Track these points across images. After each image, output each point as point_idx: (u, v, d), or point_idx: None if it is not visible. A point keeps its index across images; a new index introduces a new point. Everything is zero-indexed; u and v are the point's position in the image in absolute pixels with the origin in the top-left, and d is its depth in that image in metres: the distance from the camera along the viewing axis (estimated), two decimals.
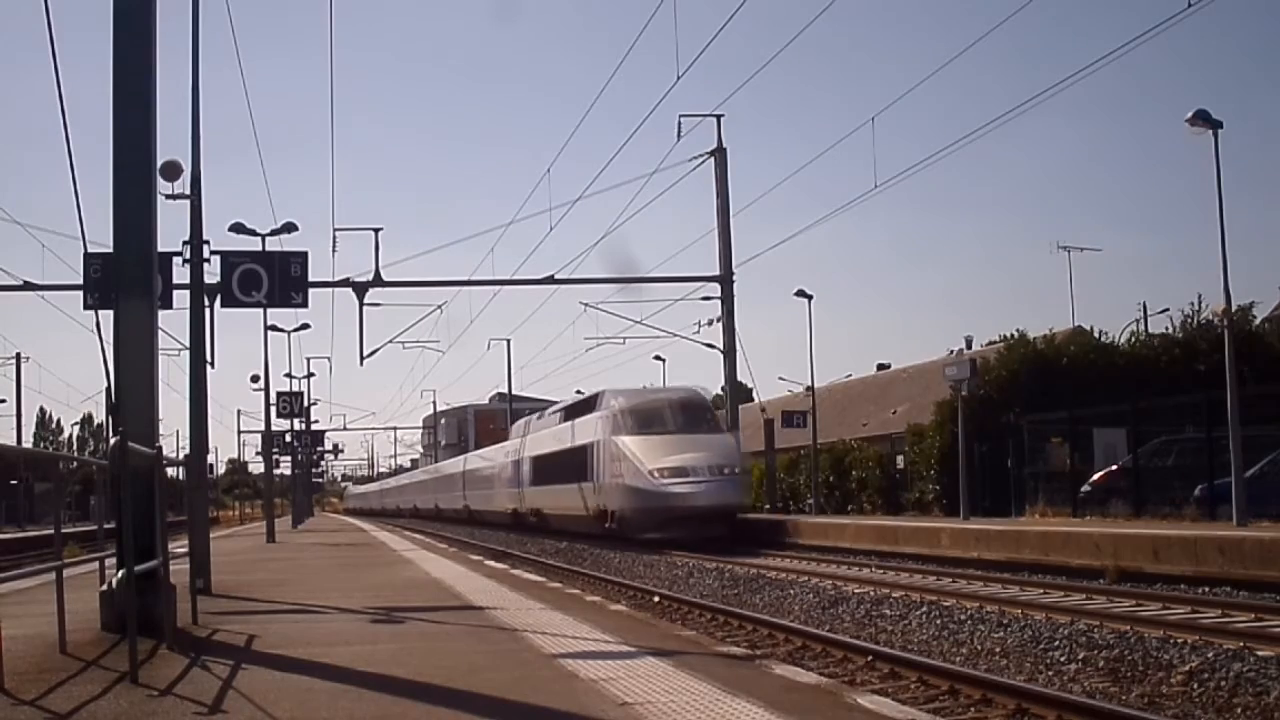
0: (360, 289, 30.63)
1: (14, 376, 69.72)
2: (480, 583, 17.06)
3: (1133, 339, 38.90)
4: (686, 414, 33.32)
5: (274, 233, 24.91)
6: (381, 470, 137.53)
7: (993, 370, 34.24)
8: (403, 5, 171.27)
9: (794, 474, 43.84)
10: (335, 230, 31.46)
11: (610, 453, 33.10)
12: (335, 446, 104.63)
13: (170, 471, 18.17)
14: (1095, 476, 27.76)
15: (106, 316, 10.87)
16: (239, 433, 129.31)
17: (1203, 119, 22.50)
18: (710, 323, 32.86)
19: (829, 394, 55.85)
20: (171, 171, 17.50)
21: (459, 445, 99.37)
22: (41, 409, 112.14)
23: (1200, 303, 38.26)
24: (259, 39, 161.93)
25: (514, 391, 75.86)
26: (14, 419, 70.83)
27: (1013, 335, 40.52)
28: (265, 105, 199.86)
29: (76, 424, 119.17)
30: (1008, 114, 53.35)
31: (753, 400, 47.71)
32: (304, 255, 20.80)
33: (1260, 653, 9.89)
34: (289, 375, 54.57)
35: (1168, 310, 50.83)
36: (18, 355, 70.03)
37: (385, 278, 30.86)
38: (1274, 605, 13.42)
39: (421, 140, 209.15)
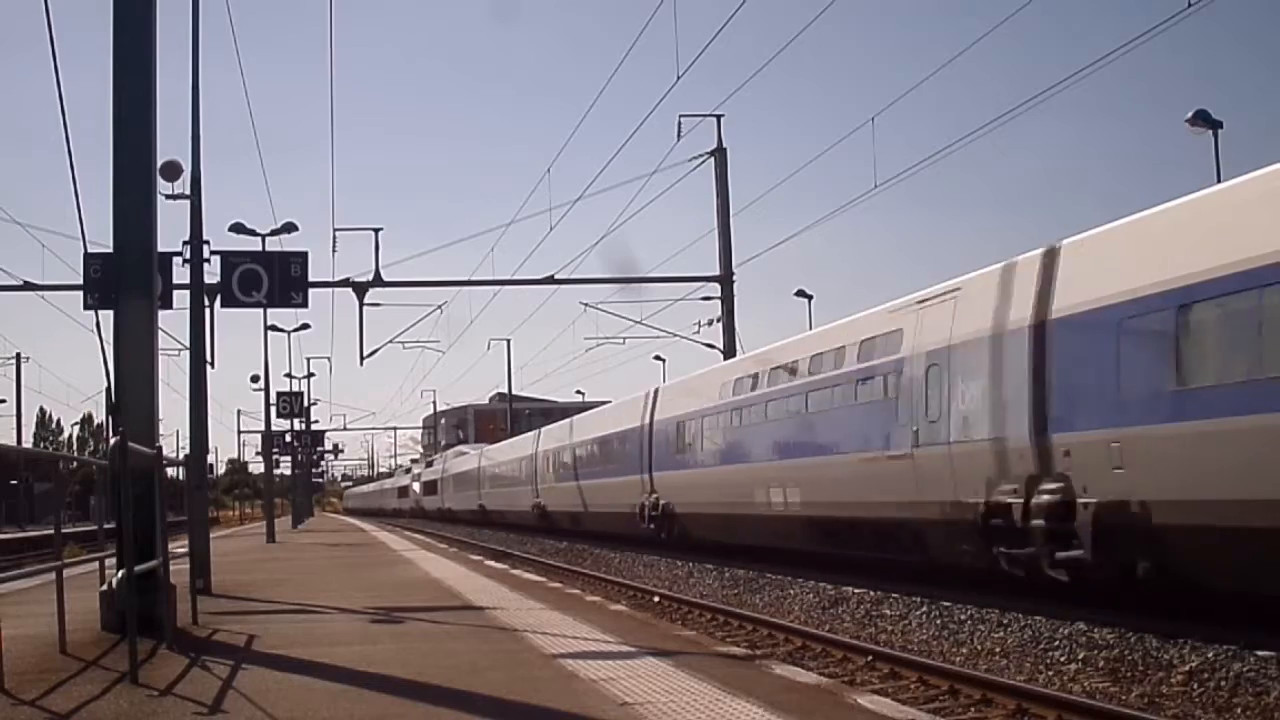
0: (360, 289, 30.56)
1: (14, 376, 69.72)
2: (480, 583, 17.07)
3: None
4: None
5: (274, 233, 24.92)
6: (381, 470, 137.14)
7: None
8: (403, 6, 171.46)
9: None
10: (335, 230, 31.32)
11: None
12: (335, 446, 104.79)
13: (170, 471, 18.16)
14: None
15: (106, 316, 10.90)
16: (239, 433, 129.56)
17: (1203, 119, 22.56)
18: (710, 323, 32.72)
19: None
20: (171, 171, 17.51)
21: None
22: (41, 409, 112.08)
23: None
24: (259, 39, 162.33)
25: (514, 391, 75.84)
26: (14, 419, 70.81)
27: None
28: (265, 105, 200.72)
29: (76, 424, 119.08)
30: (1008, 114, 53.20)
31: None
32: (304, 255, 20.82)
33: (1260, 653, 9.88)
34: (289, 375, 54.70)
35: None
36: (18, 355, 70.13)
37: (385, 278, 30.76)
38: None
39: (421, 140, 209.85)
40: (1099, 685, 9.89)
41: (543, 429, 44.89)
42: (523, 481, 45.49)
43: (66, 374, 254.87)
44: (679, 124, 29.58)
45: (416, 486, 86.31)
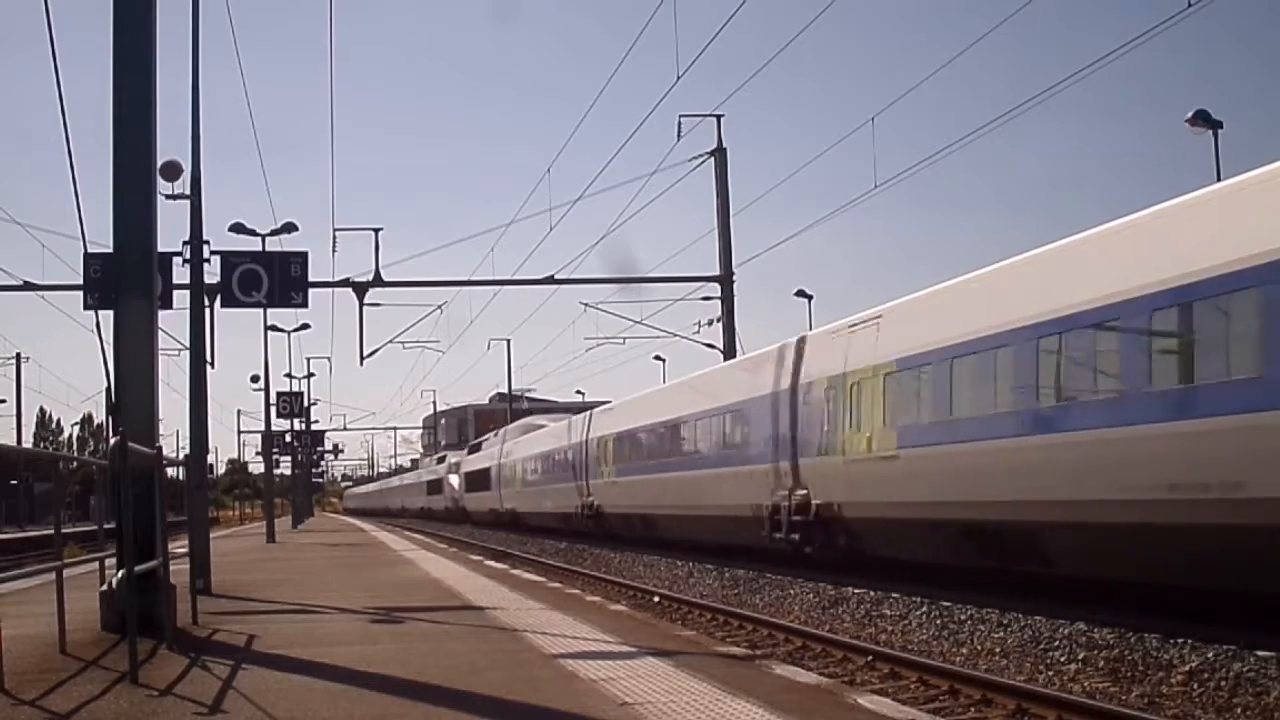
0: (360, 289, 30.58)
1: (14, 376, 69.73)
2: (480, 583, 17.06)
3: None
4: None
5: (274, 233, 24.93)
6: (381, 470, 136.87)
7: None
8: (403, 6, 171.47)
9: None
10: (335, 230, 31.37)
11: None
12: (335, 446, 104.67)
13: (170, 471, 18.16)
14: None
15: (106, 316, 10.90)
16: (239, 433, 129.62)
17: (1203, 119, 22.55)
18: (710, 323, 32.68)
19: None
20: (171, 171, 17.51)
21: (459, 446, 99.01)
22: (41, 409, 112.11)
23: None
24: (259, 39, 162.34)
25: (514, 391, 75.83)
26: (14, 419, 70.81)
27: None
28: (265, 105, 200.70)
29: (76, 424, 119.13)
30: (1008, 114, 53.18)
31: None
32: (304, 255, 20.81)
33: (1260, 653, 9.88)
34: (289, 375, 54.71)
35: None
36: (18, 355, 70.15)
37: (385, 278, 30.79)
38: None
39: (421, 140, 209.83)
40: (1099, 685, 9.89)
41: (753, 357, 23.65)
42: (712, 459, 24.21)
43: (66, 374, 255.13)
44: (679, 124, 29.48)
45: (454, 480, 65.71)
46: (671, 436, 27.58)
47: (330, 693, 7.54)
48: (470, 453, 64.96)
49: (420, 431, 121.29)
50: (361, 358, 32.91)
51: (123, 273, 10.76)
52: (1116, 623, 11.75)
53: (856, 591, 16.49)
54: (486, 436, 63.75)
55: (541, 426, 46.30)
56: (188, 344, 18.40)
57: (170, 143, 53.00)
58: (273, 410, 48.48)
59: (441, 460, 76.98)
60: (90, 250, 16.83)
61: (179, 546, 15.54)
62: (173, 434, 60.42)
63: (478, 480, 57.03)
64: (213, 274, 19.87)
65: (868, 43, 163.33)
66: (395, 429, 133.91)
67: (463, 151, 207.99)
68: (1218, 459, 11.08)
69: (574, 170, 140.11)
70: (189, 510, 17.72)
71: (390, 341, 38.07)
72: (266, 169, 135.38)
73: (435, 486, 73.69)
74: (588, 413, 37.10)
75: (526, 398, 73.26)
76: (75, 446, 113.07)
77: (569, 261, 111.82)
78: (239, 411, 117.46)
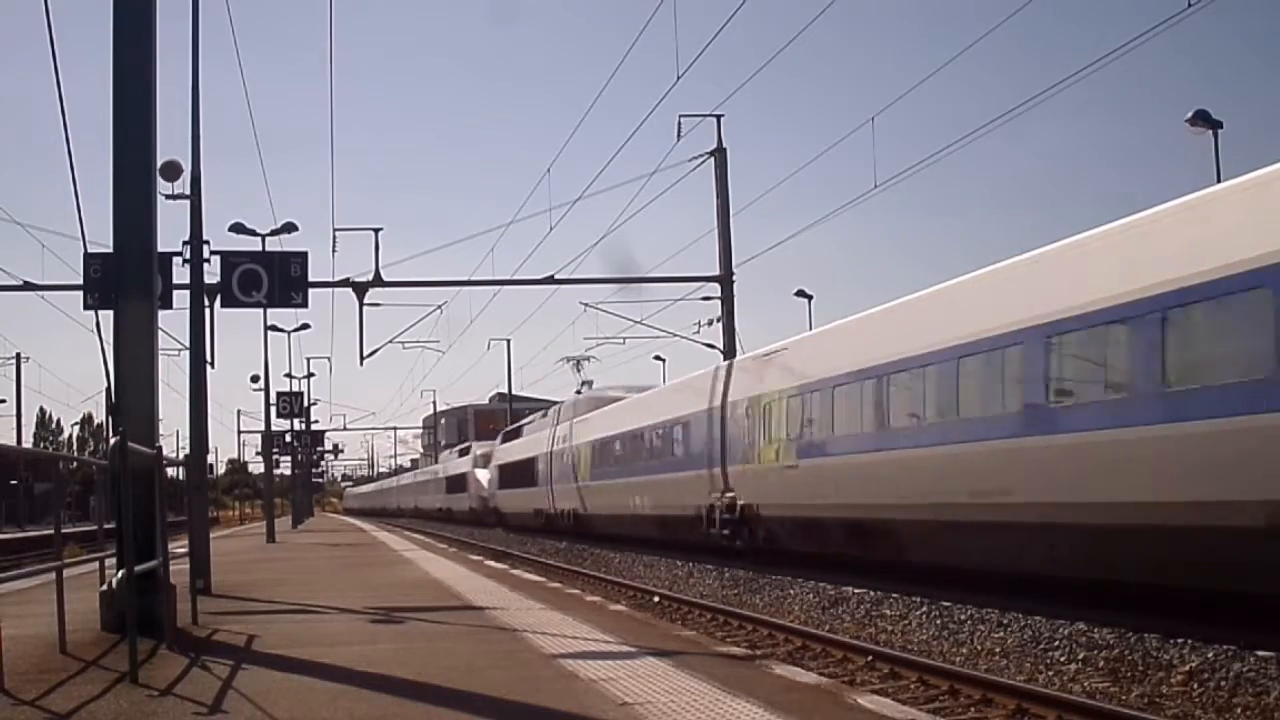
0: (360, 289, 30.56)
1: (14, 376, 69.71)
2: (480, 583, 17.07)
3: None
4: None
5: (274, 233, 24.91)
6: (381, 470, 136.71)
7: None
8: (402, 6, 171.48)
9: None
10: (335, 230, 31.31)
11: None
12: (335, 446, 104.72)
13: (170, 471, 18.17)
14: None
15: (106, 316, 10.90)
16: (239, 433, 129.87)
17: (1203, 119, 22.56)
18: (710, 323, 32.64)
19: None
20: (171, 171, 17.50)
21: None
22: (41, 409, 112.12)
23: None
24: (259, 39, 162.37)
25: (514, 391, 75.83)
26: (14, 419, 70.80)
27: None
28: (265, 105, 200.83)
29: (76, 424, 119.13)
30: (1008, 114, 53.16)
31: None
32: (304, 255, 20.78)
33: (1260, 653, 9.88)
34: (289, 375, 54.74)
35: None
36: (18, 355, 70.05)
37: (385, 278, 30.76)
38: None
39: (421, 140, 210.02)
40: (1099, 685, 9.89)
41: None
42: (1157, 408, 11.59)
43: (66, 374, 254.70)
44: (679, 124, 29.42)
45: (483, 475, 54.85)
46: (982, 376, 14.85)
47: (330, 693, 7.54)
48: (504, 440, 52.64)
49: (420, 431, 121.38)
50: (361, 358, 32.88)
51: (123, 273, 10.76)
52: (1116, 623, 11.75)
53: (856, 591, 16.49)
54: (529, 419, 49.53)
55: (619, 399, 36.27)
56: (188, 344, 18.41)
57: (170, 143, 53.02)
58: (273, 410, 48.53)
59: (465, 452, 64.04)
60: (90, 250, 16.80)
61: (179, 546, 15.54)
62: (173, 434, 60.42)
63: (518, 474, 46.31)
64: (213, 274, 19.88)
65: (868, 43, 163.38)
66: (395, 429, 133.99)
67: (463, 151, 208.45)
68: None
69: (574, 170, 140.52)
70: (189, 510, 17.72)
71: (390, 341, 38.06)
72: (266, 169, 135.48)
73: (457, 483, 61.98)
74: (721, 366, 25.87)
75: (584, 382, 56.01)
76: (75, 446, 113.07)
77: (569, 261, 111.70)
78: (239, 411, 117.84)
